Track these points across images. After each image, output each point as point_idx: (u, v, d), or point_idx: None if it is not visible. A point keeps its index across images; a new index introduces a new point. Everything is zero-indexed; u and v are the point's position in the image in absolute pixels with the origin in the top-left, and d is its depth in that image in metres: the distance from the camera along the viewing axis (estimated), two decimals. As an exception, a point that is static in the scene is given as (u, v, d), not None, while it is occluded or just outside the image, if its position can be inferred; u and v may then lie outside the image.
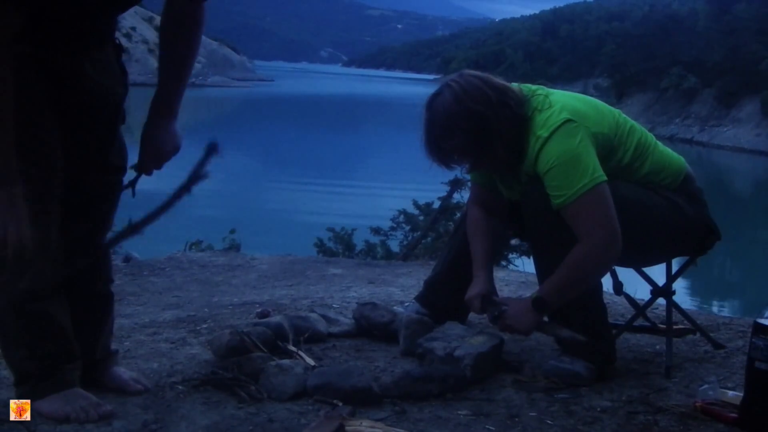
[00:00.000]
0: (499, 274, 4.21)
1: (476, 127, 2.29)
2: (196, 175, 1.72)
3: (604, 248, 2.26)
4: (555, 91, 2.44)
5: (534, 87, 2.43)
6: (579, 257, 2.26)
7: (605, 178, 2.26)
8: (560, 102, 2.35)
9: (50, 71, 1.91)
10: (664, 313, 2.64)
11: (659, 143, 2.54)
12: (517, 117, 2.32)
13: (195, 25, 2.08)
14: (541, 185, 2.30)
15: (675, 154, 2.57)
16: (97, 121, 2.04)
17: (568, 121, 2.28)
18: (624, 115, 2.49)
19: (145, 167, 2.12)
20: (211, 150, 1.72)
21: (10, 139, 1.77)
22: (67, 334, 2.04)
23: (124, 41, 2.20)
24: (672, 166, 2.51)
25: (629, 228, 2.27)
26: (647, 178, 2.45)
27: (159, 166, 2.12)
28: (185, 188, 1.72)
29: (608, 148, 2.36)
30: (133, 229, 1.84)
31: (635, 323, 2.76)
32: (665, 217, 2.44)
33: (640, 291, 2.94)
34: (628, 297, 2.83)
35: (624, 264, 2.58)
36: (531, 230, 2.43)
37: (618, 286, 2.70)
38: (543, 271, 2.40)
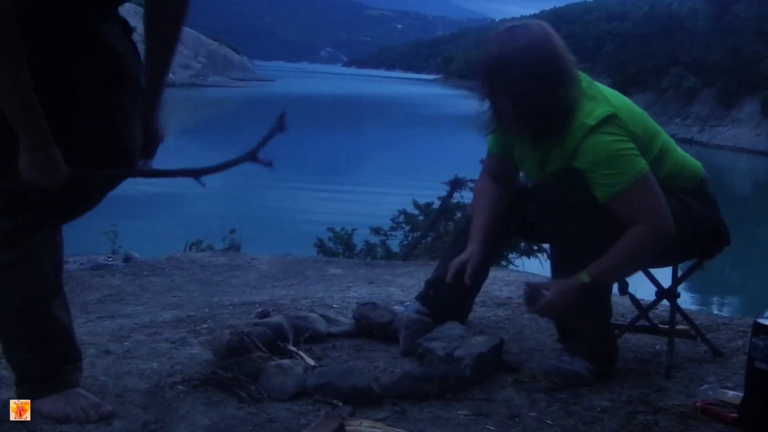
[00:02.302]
0: (499, 274, 4.21)
1: (545, 76, 2.21)
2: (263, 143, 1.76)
3: (661, 231, 2.28)
4: (595, 82, 2.42)
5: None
6: (636, 240, 2.26)
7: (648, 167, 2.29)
8: (603, 94, 2.35)
9: (63, 51, 1.86)
10: (664, 313, 2.64)
11: (678, 148, 2.54)
12: (575, 85, 2.28)
13: (180, 5, 2.00)
14: (571, 174, 2.29)
15: (692, 159, 2.55)
16: (113, 83, 1.97)
17: (613, 115, 2.28)
18: (650, 118, 2.49)
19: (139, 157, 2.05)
20: (280, 122, 1.75)
21: (37, 106, 1.76)
22: (69, 335, 2.04)
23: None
24: (688, 171, 2.50)
25: None
26: (663, 181, 2.44)
27: (150, 156, 2.08)
28: (252, 153, 1.78)
29: (637, 148, 2.35)
30: (197, 173, 1.87)
31: (637, 323, 2.76)
32: (677, 219, 2.42)
33: (640, 291, 2.94)
34: (632, 297, 2.83)
35: None
36: (556, 219, 2.37)
37: (623, 286, 2.70)
38: (567, 260, 2.38)
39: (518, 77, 2.21)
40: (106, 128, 1.95)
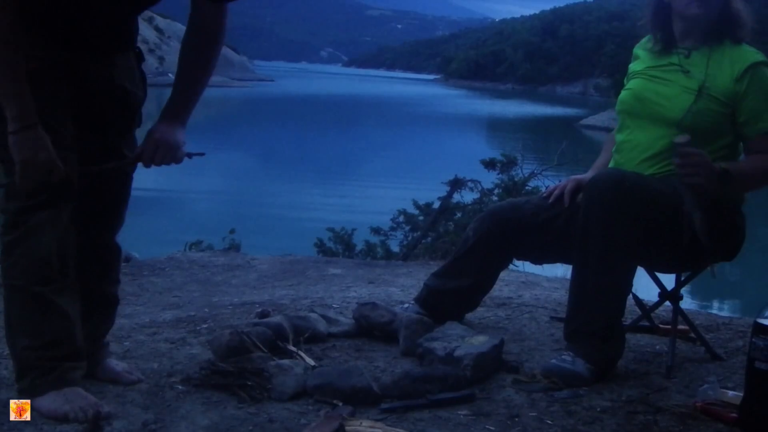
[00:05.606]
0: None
1: None
2: None
3: None
4: None
5: None
6: None
7: None
8: None
9: (79, 76, 2.02)
10: (664, 313, 2.64)
11: None
12: None
13: (216, 30, 2.13)
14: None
15: None
16: (117, 119, 2.13)
17: None
18: None
19: (141, 157, 2.12)
20: None
21: (25, 86, 1.86)
22: (72, 331, 2.03)
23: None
24: None
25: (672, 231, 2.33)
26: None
27: (155, 163, 2.12)
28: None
29: None
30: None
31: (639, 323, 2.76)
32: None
33: (640, 291, 2.94)
34: (635, 298, 2.82)
35: (654, 267, 2.62)
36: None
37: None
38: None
39: None
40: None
